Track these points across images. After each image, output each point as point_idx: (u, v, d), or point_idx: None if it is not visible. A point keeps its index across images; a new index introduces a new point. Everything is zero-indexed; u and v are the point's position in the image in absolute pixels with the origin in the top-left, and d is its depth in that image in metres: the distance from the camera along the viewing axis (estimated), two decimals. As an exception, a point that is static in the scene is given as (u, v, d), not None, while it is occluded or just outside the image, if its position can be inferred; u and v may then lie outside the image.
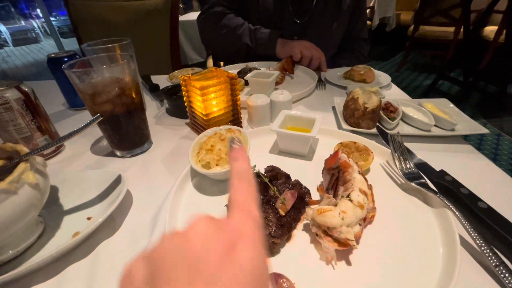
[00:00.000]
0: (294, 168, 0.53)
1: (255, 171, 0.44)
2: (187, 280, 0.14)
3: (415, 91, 3.24)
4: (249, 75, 0.86)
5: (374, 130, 0.62)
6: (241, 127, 0.71)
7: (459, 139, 0.60)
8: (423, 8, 3.17)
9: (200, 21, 1.21)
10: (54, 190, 0.49)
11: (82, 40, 1.62)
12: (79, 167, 0.60)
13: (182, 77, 0.63)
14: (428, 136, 0.61)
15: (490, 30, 2.91)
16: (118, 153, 0.62)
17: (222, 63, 1.61)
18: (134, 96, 0.57)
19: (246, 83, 0.93)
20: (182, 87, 0.65)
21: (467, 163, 0.54)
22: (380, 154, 0.55)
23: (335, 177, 0.42)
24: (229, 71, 0.67)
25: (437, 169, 0.50)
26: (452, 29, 3.14)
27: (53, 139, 0.63)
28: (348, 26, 1.23)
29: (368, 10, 3.66)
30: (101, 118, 0.44)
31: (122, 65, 0.55)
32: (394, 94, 0.86)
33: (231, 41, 1.10)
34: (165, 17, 1.62)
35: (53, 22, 5.36)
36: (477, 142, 2.28)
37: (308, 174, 0.51)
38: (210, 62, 2.79)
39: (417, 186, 0.43)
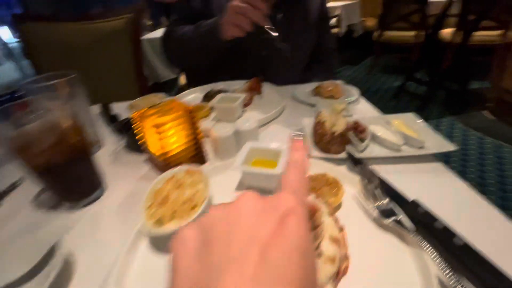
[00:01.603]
0: (261, 209, 0.49)
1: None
2: (243, 247, 0.15)
3: (387, 93, 3.36)
4: (214, 101, 0.82)
5: (344, 155, 0.59)
6: (205, 161, 0.66)
7: (429, 157, 0.59)
8: (385, 15, 3.32)
9: (161, 47, 1.17)
10: (-24, 268, 0.41)
11: (38, 66, 1.51)
12: (16, 226, 0.52)
13: (135, 114, 0.57)
14: (398, 157, 0.59)
15: (446, 32, 3.08)
16: (64, 205, 0.54)
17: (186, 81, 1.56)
18: (76, 142, 0.51)
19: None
20: (135, 123, 0.59)
21: (438, 184, 0.53)
22: (352, 183, 0.52)
23: None
24: (193, 95, 0.62)
25: (410, 194, 0.47)
26: (413, 33, 3.31)
27: (-16, 197, 0.55)
28: (315, 39, 1.24)
29: (335, 19, 3.78)
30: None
31: (57, 109, 0.48)
32: (363, 110, 0.85)
33: (185, 48, 1.05)
34: (127, 38, 1.55)
35: (11, 44, 5.04)
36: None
37: (277, 213, 0.47)
38: (182, 78, 2.72)
39: (391, 225, 0.40)
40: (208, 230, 0.16)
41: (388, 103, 3.07)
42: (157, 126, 0.53)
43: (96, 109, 1.03)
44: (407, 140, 0.61)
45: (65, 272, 0.41)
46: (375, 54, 3.72)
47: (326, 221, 0.39)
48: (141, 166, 0.67)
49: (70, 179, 0.51)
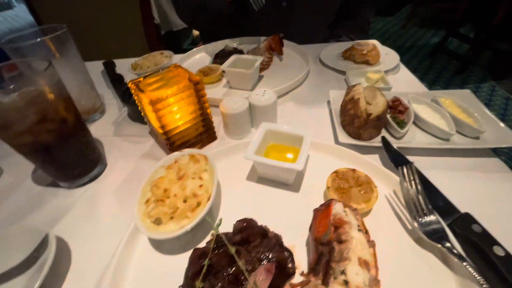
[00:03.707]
0: (276, 203, 0.42)
1: (218, 234, 0.33)
2: None
3: (421, 51, 3.00)
4: (226, 63, 0.70)
5: (378, 142, 0.49)
6: (215, 138, 0.58)
7: (485, 150, 0.48)
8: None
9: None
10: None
11: (36, 11, 1.39)
12: (14, 204, 0.49)
13: (130, 83, 0.48)
14: (447, 149, 0.48)
15: (510, -24, 2.54)
16: (61, 183, 0.50)
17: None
18: (64, 116, 0.44)
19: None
20: (133, 95, 0.50)
21: (496, 187, 0.43)
22: (385, 180, 0.43)
23: (326, 259, 0.31)
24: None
25: (457, 199, 0.39)
26: (466, -24, 2.76)
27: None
28: None
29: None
30: None
31: (38, 77, 0.40)
32: (403, 81, 0.71)
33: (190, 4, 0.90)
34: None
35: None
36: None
37: (294, 211, 0.41)
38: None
39: (438, 246, 0.33)
40: None
41: (422, 63, 2.74)
42: (156, 101, 0.45)
43: (98, 66, 0.94)
44: (460, 127, 0.49)
45: (60, 263, 0.38)
46: (415, 3, 3.21)
47: (355, 237, 0.32)
48: (144, 140, 0.60)
49: (62, 159, 0.45)
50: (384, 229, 0.37)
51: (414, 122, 0.54)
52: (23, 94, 0.39)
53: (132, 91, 0.49)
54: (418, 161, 0.46)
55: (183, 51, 0.93)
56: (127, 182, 0.51)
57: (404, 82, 0.70)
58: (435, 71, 2.58)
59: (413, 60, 2.85)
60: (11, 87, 0.39)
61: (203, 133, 0.56)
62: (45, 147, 0.42)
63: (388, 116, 0.52)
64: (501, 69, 2.52)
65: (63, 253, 0.39)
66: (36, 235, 0.38)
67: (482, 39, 2.56)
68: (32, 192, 0.51)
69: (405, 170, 0.38)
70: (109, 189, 0.50)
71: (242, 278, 0.30)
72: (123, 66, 0.90)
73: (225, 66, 0.69)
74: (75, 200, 0.48)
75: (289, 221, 0.39)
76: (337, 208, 0.32)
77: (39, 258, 0.37)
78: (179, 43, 3.10)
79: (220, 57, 0.81)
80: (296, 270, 0.33)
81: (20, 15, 6.18)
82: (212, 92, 0.72)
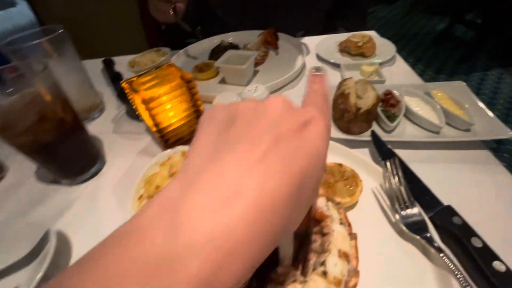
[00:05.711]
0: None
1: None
2: (260, 132, 0.16)
3: (426, 38, 2.93)
4: (220, 60, 0.71)
5: (368, 136, 0.50)
6: (209, 134, 0.59)
7: (475, 142, 0.48)
8: None
9: None
10: (-23, 248, 0.41)
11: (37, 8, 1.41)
12: (19, 201, 0.51)
13: (124, 83, 0.50)
14: (436, 142, 0.49)
15: (521, -43, 2.44)
16: (62, 181, 0.52)
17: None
18: (62, 116, 0.45)
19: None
20: (127, 95, 0.52)
21: (483, 180, 0.43)
22: (373, 174, 0.44)
23: (305, 249, 0.32)
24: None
25: (444, 192, 0.39)
26: (475, -41, 2.67)
27: (-15, 168, 0.54)
28: None
29: None
30: None
31: (35, 79, 0.42)
32: (399, 73, 0.71)
33: None
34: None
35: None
36: (490, 96, 2.09)
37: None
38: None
39: (417, 238, 0.34)
40: (235, 115, 0.18)
41: (426, 52, 2.69)
42: (149, 101, 0.46)
43: (99, 64, 0.95)
44: (451, 119, 0.50)
45: (62, 256, 0.40)
46: (420, -11, 3.13)
47: (336, 230, 0.33)
48: (142, 137, 0.62)
49: (62, 157, 0.47)
50: (368, 222, 0.38)
51: (406, 116, 0.54)
52: (21, 96, 0.41)
53: (126, 91, 0.50)
54: (408, 155, 0.47)
55: (185, 45, 0.93)
56: (125, 178, 0.53)
57: (400, 74, 0.70)
58: (440, 60, 2.53)
59: (417, 48, 2.79)
60: (10, 90, 0.41)
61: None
62: (45, 146, 0.44)
63: (379, 109, 0.53)
64: (509, 55, 2.46)
65: (64, 247, 0.42)
66: (38, 231, 0.40)
67: (489, 24, 2.49)
68: (35, 189, 0.53)
69: (388, 164, 0.39)
70: (108, 185, 0.52)
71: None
72: (123, 63, 0.92)
73: (219, 62, 0.70)
74: (76, 196, 0.50)
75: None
76: (319, 203, 0.34)
77: (41, 252, 0.39)
78: (180, 38, 3.09)
79: (216, 53, 0.81)
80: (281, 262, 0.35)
81: (23, 12, 6.20)
82: (207, 88, 0.73)
